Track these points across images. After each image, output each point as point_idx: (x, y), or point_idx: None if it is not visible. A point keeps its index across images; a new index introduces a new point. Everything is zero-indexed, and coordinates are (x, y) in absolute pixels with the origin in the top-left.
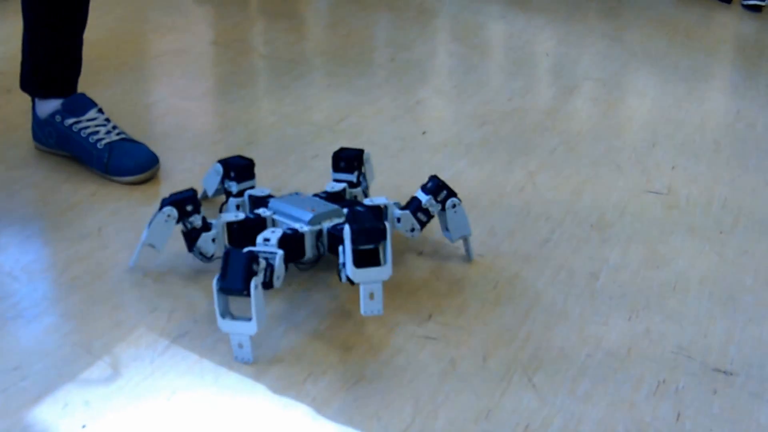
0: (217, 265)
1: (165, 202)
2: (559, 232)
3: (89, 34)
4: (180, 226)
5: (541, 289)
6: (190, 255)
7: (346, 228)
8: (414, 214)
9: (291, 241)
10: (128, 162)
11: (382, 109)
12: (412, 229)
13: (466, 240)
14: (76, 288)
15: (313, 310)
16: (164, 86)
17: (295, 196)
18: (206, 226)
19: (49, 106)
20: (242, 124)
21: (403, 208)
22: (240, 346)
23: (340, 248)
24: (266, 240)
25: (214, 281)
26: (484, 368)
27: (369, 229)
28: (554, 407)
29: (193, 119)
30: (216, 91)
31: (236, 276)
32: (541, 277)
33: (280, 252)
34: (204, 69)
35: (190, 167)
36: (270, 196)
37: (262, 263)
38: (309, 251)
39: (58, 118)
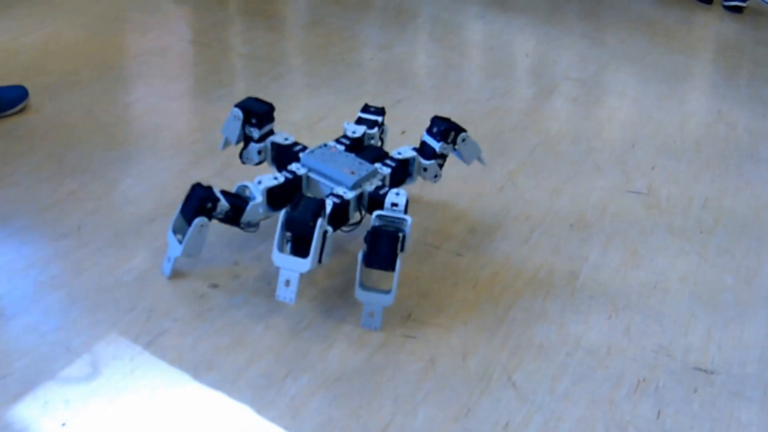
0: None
1: (189, 214)
2: (539, 231)
3: (69, 34)
4: (214, 223)
5: (520, 287)
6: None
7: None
8: (435, 159)
9: (339, 211)
10: (7, 94)
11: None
12: (435, 176)
13: (480, 158)
14: (56, 287)
15: (293, 310)
16: (144, 85)
17: (325, 151)
18: (242, 201)
19: None
20: (221, 123)
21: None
22: (287, 283)
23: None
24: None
25: (282, 214)
26: (463, 367)
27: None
28: (534, 405)
29: (173, 118)
30: (195, 90)
31: (306, 211)
32: (520, 276)
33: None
34: (183, 68)
35: (168, 166)
36: (295, 144)
37: (329, 212)
38: (352, 215)
39: None
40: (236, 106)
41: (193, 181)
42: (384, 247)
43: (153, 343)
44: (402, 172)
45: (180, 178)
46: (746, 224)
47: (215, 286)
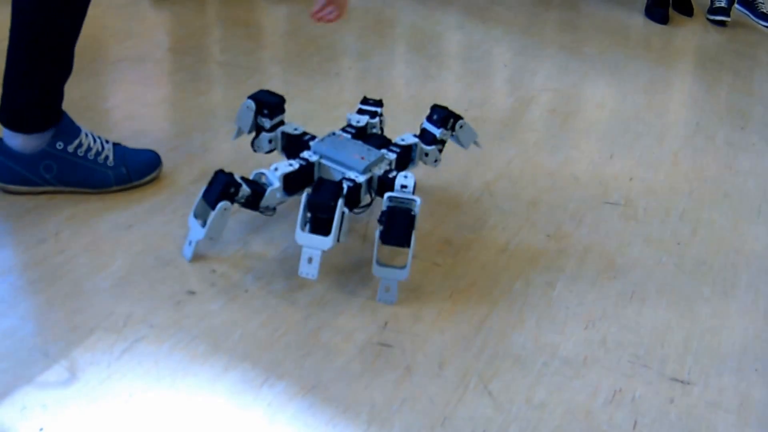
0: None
1: (212, 198)
2: (516, 241)
3: None
4: (235, 206)
5: (497, 297)
6: (147, 260)
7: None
8: (437, 146)
9: (352, 194)
10: (143, 160)
11: (339, 118)
12: (436, 160)
13: (476, 142)
14: (34, 292)
15: (270, 316)
16: (122, 92)
17: (334, 139)
18: (260, 186)
19: (40, 137)
20: (199, 131)
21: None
22: (309, 260)
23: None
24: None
25: (304, 196)
26: (439, 375)
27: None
28: (510, 414)
29: (151, 125)
30: (173, 97)
31: (326, 193)
32: (497, 285)
33: (343, 211)
34: (161, 76)
35: None
36: (304, 134)
37: (340, 204)
38: (363, 199)
39: (60, 145)
40: (249, 97)
41: (172, 187)
42: (400, 225)
43: (130, 349)
44: (406, 158)
45: (158, 185)
46: (724, 236)
47: (192, 293)
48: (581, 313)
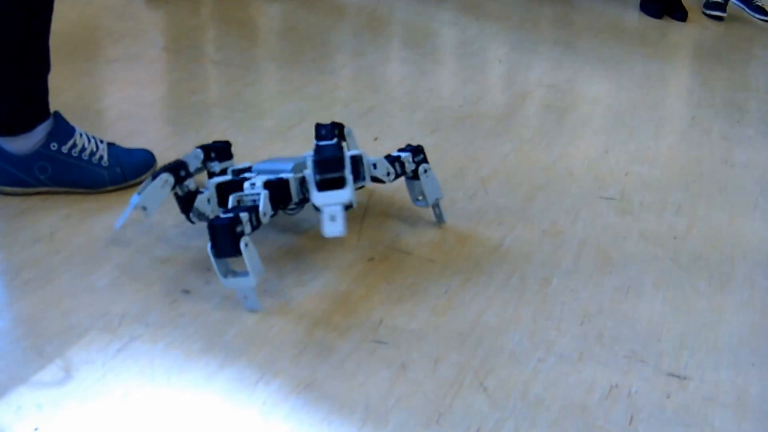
0: (177, 258)
1: (159, 172)
2: (511, 237)
3: None
4: (173, 196)
5: (492, 294)
6: (141, 260)
7: (309, 160)
8: (391, 162)
9: (276, 187)
10: (138, 159)
11: (334, 116)
12: (388, 173)
13: (437, 205)
14: (28, 292)
15: (263, 315)
16: (116, 92)
17: (274, 159)
18: (198, 190)
19: (33, 138)
20: (194, 130)
21: None
22: (246, 297)
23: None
24: (252, 185)
25: (208, 249)
26: (435, 372)
27: (330, 159)
28: (506, 411)
29: (145, 125)
30: (168, 97)
31: (226, 243)
32: (492, 282)
33: (265, 191)
34: (156, 75)
35: None
36: (249, 169)
37: (244, 217)
38: (295, 196)
39: (54, 146)
40: (197, 147)
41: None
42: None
43: (125, 348)
44: (352, 169)
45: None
46: (720, 230)
47: (187, 291)
48: (577, 308)
